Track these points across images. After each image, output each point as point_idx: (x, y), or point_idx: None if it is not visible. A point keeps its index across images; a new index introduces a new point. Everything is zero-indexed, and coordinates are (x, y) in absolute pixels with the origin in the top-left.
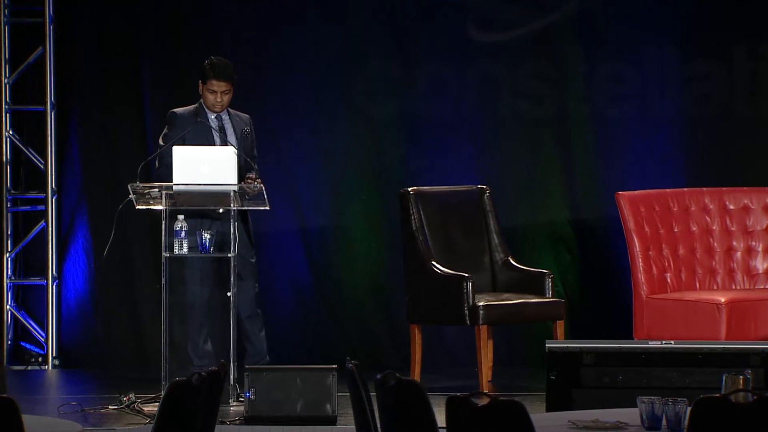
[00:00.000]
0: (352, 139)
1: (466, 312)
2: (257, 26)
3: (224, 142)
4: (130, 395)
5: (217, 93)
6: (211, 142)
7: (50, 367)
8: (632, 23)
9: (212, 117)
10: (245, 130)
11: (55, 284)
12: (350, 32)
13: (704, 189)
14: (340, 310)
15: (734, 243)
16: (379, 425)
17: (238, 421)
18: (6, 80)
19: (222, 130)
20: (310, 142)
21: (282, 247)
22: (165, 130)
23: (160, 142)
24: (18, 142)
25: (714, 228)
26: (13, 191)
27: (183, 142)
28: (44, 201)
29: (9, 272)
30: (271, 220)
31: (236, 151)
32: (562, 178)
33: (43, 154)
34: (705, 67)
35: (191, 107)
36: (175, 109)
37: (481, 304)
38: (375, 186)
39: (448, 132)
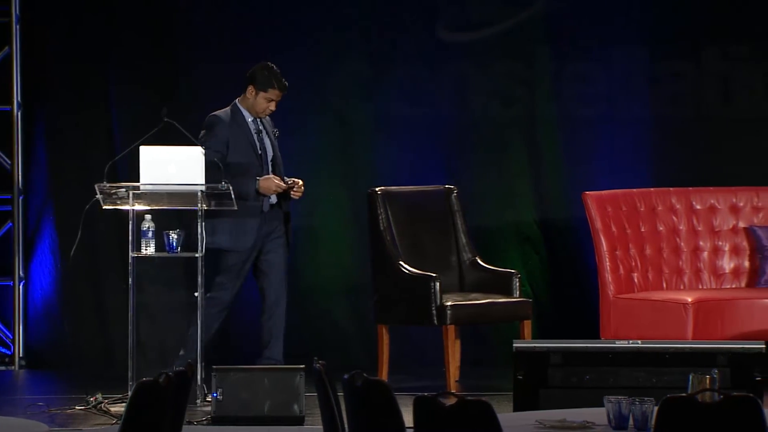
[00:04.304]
0: (323, 139)
1: (434, 312)
2: (228, 26)
3: (263, 145)
4: (97, 395)
5: (273, 102)
6: (253, 146)
7: (17, 368)
8: (601, 23)
9: (250, 120)
10: (275, 132)
11: (21, 284)
12: (322, 33)
13: (671, 189)
14: (308, 310)
15: (701, 243)
16: (346, 425)
17: (205, 422)
18: None
19: (260, 133)
20: (282, 142)
21: None
22: (204, 131)
23: (201, 148)
24: None
25: (681, 228)
26: None
27: (227, 147)
28: (11, 201)
29: None
30: None
31: (272, 151)
32: (529, 178)
33: (9, 155)
34: (674, 67)
35: (228, 110)
36: (216, 113)
37: (448, 304)
38: (344, 186)
39: (418, 132)
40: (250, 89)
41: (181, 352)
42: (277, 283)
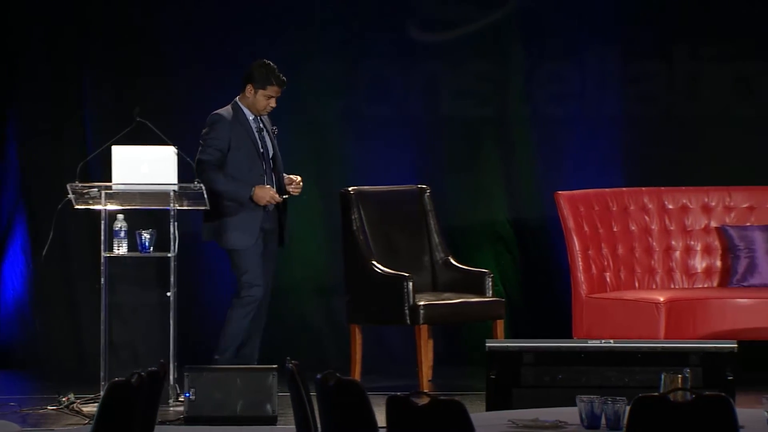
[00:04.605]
0: (295, 138)
1: (407, 311)
2: (199, 27)
3: (264, 144)
4: (69, 396)
5: (273, 99)
6: (255, 144)
7: None
8: (573, 23)
9: (251, 119)
10: (274, 129)
11: None
12: (294, 33)
13: (643, 189)
14: (281, 310)
15: (673, 242)
16: (319, 425)
17: (178, 422)
18: None
19: (261, 131)
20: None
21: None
22: (207, 129)
23: (201, 141)
24: None
25: (653, 227)
26: None
27: (228, 146)
28: None
29: None
30: None
31: (272, 149)
32: (502, 177)
33: None
34: (646, 67)
35: (229, 108)
36: (218, 111)
37: (421, 303)
38: (317, 186)
39: (390, 131)
40: (249, 88)
41: (216, 357)
42: (265, 282)
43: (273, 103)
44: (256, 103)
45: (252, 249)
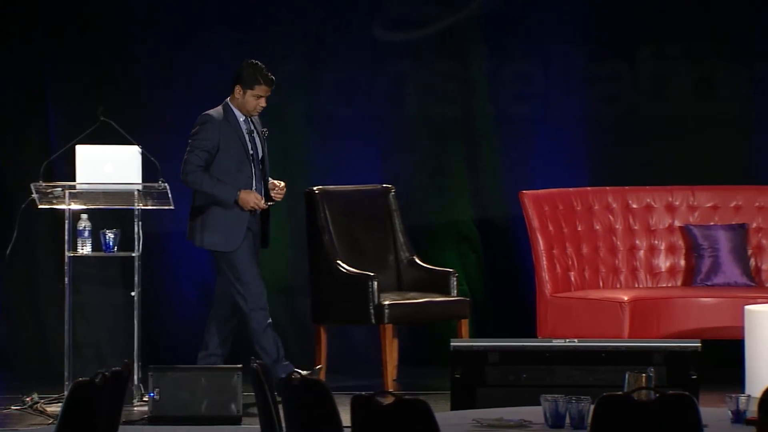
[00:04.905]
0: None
1: (372, 311)
2: (163, 27)
3: (254, 146)
4: (33, 395)
5: (263, 98)
6: (245, 146)
7: None
8: (538, 22)
9: (242, 120)
10: (264, 131)
11: None
12: (259, 32)
13: (607, 188)
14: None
15: (637, 242)
16: (284, 425)
17: (142, 422)
18: None
19: (251, 133)
20: None
21: (186, 247)
22: (196, 129)
23: (190, 140)
24: None
25: (617, 227)
26: None
27: (217, 147)
28: None
29: None
30: (175, 219)
31: (261, 151)
32: (466, 177)
33: None
34: (609, 67)
35: (220, 109)
36: (209, 112)
37: (386, 303)
38: None
39: (355, 131)
40: (238, 89)
41: (258, 363)
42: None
43: (263, 102)
44: (246, 103)
45: (241, 250)
